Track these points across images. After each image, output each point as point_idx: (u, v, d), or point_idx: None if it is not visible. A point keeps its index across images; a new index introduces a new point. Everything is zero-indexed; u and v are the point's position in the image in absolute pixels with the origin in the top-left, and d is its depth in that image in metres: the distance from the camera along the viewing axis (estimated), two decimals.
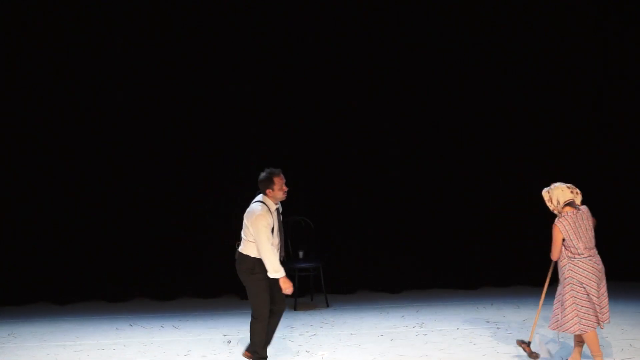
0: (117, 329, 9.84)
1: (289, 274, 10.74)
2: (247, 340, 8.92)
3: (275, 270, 7.62)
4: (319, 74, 11.66)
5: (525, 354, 7.90)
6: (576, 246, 7.46)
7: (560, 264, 7.62)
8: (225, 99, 11.61)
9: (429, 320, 9.79)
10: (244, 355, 7.94)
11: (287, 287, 7.66)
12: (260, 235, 7.59)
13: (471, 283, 11.81)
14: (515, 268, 11.91)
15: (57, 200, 11.41)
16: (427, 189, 11.77)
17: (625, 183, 11.83)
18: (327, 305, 10.85)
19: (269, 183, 7.73)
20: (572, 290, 7.44)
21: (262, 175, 7.79)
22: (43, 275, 11.40)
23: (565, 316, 7.47)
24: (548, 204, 7.73)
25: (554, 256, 7.63)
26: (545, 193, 7.75)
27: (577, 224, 7.48)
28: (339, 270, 11.50)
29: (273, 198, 7.77)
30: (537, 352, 7.90)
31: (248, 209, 7.80)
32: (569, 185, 7.68)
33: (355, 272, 11.67)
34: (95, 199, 11.50)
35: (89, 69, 11.49)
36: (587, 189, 8.00)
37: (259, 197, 7.80)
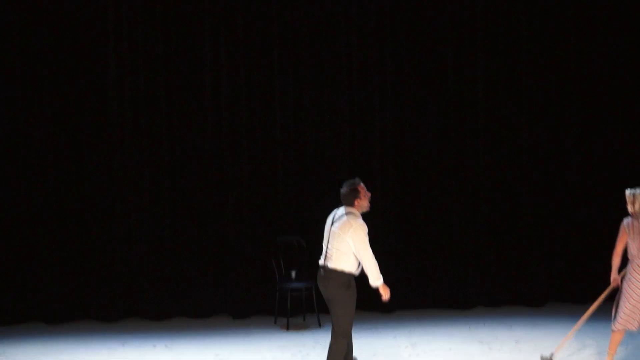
0: (109, 348, 9.81)
1: (281, 294, 10.84)
2: None
3: (377, 278, 7.73)
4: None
5: None
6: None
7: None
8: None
9: (421, 341, 9.79)
10: None
11: (386, 293, 7.79)
12: (363, 245, 7.66)
13: (464, 303, 11.80)
14: (508, 288, 11.92)
15: (47, 219, 11.35)
16: (418, 208, 11.78)
17: None
18: (320, 325, 10.84)
19: (355, 193, 7.80)
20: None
21: (345, 189, 7.83)
22: (34, 295, 11.34)
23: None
24: (629, 205, 8.25)
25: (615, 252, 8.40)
26: (629, 195, 8.23)
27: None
28: None
29: (359, 208, 7.84)
30: None
31: (338, 221, 7.84)
32: None
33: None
34: (86, 219, 11.45)
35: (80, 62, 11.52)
36: None
37: (345, 209, 7.86)
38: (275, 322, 11.11)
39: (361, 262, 7.72)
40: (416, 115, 11.82)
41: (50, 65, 11.34)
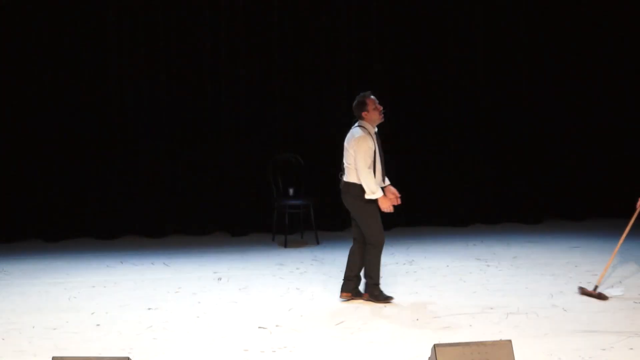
0: (107, 266, 9.84)
1: (279, 211, 10.85)
2: (237, 278, 8.97)
3: (371, 191, 7.78)
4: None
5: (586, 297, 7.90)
6: None
7: None
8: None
9: (418, 258, 9.82)
10: (342, 296, 8.07)
11: (385, 207, 7.82)
12: (360, 157, 7.74)
13: (461, 220, 11.84)
14: (506, 206, 11.96)
15: (46, 138, 11.32)
16: (417, 128, 11.75)
17: None
18: (317, 243, 10.87)
19: (362, 106, 7.87)
20: None
21: (354, 102, 7.94)
22: (32, 213, 11.37)
23: None
24: None
25: None
26: None
27: None
28: (329, 207, 11.49)
29: (370, 121, 7.88)
30: (604, 293, 7.92)
31: (348, 135, 7.95)
32: None
33: (345, 209, 11.65)
34: (83, 136, 11.41)
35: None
36: None
37: (357, 123, 7.93)
38: (273, 240, 11.14)
39: (358, 173, 7.78)
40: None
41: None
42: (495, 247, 10.38)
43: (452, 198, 11.82)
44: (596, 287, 7.97)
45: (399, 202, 8.00)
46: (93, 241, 11.36)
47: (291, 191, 11.02)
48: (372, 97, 7.89)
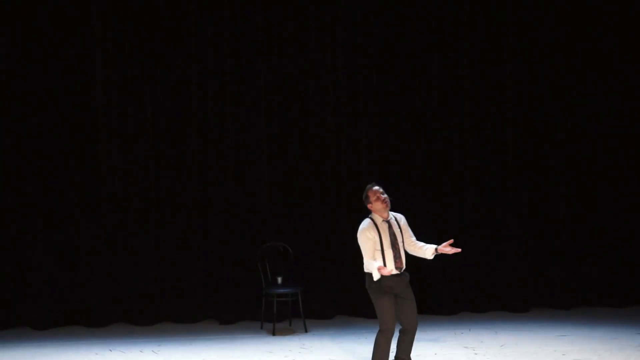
0: (96, 354, 9.82)
1: (267, 299, 10.87)
2: None
3: (371, 269, 7.92)
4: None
5: None
6: None
7: None
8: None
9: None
10: None
11: (383, 271, 7.80)
12: (361, 247, 8.04)
13: (449, 308, 11.85)
14: (493, 294, 11.99)
15: (34, 225, 11.37)
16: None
17: None
18: (306, 331, 10.88)
19: (366, 199, 8.15)
20: None
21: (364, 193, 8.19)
22: (21, 300, 11.35)
23: None
24: None
25: None
26: None
27: None
28: (317, 295, 11.53)
29: (376, 211, 8.11)
30: None
31: None
32: None
33: (333, 297, 11.71)
34: (73, 227, 11.46)
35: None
36: None
37: (370, 214, 8.20)
38: (261, 327, 11.15)
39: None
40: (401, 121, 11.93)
41: (38, 64, 11.42)
42: (483, 335, 10.38)
43: (439, 286, 11.85)
44: None
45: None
46: (82, 329, 11.33)
47: (279, 279, 11.07)
48: (374, 188, 8.13)
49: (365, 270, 8.05)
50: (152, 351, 9.90)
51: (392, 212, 8.23)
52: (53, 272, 11.38)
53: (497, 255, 11.99)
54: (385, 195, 8.11)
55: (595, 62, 12.09)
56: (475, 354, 9.39)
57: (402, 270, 8.11)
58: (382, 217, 8.10)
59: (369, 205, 8.12)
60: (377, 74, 11.86)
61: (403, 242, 8.19)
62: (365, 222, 8.11)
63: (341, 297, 11.78)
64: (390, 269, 7.90)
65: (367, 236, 8.01)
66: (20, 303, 11.35)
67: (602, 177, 12.13)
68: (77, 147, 11.50)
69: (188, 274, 11.59)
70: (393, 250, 8.05)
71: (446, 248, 8.12)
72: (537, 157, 12.09)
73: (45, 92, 11.39)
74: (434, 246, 8.22)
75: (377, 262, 7.93)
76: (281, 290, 10.89)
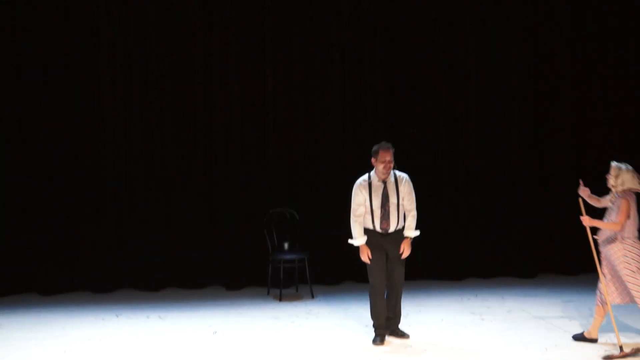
0: (103, 319, 9.84)
1: (274, 265, 10.87)
2: (233, 331, 8.98)
3: (354, 237, 8.32)
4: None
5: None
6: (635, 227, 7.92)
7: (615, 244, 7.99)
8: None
9: (413, 312, 9.83)
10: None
11: (362, 256, 8.30)
12: (352, 204, 8.31)
13: (456, 274, 11.87)
14: (501, 260, 12.00)
15: (43, 190, 11.37)
16: (415, 180, 11.81)
17: None
18: (312, 296, 10.89)
19: (374, 154, 8.27)
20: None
21: (375, 146, 8.30)
22: (29, 267, 11.37)
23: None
24: (612, 179, 8.03)
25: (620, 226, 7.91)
26: (615, 168, 8.05)
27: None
28: (324, 261, 11.53)
29: (375, 171, 8.28)
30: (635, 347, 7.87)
31: None
32: (638, 174, 8.01)
33: (340, 263, 11.71)
34: (78, 192, 11.47)
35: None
36: None
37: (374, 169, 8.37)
38: (268, 293, 11.16)
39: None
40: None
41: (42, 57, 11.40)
42: (490, 301, 10.40)
43: (447, 252, 11.86)
44: (621, 347, 7.79)
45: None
46: (89, 295, 11.37)
47: (286, 245, 11.08)
48: (387, 150, 8.22)
49: (351, 225, 8.35)
50: (159, 317, 9.92)
51: (398, 172, 8.35)
52: (59, 238, 11.39)
53: (503, 221, 11.98)
54: (392, 163, 8.20)
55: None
56: (482, 319, 9.40)
57: (387, 232, 8.29)
58: (380, 178, 8.23)
59: (372, 161, 8.25)
60: (381, 40, 11.81)
61: (398, 204, 8.27)
62: (362, 178, 8.35)
63: (347, 263, 11.75)
64: (379, 230, 8.28)
65: (358, 192, 8.28)
66: (27, 269, 11.37)
67: (613, 139, 12.07)
68: (82, 113, 11.48)
69: (194, 240, 11.59)
70: (381, 211, 8.25)
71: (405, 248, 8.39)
72: (544, 122, 12.05)
73: (49, 57, 11.37)
74: (407, 236, 8.43)
75: (360, 239, 8.28)
76: (288, 256, 10.89)
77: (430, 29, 11.88)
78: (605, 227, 8.00)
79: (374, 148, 8.28)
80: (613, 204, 8.06)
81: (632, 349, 7.75)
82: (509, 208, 11.96)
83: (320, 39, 11.72)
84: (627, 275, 7.91)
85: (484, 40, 11.96)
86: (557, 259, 12.10)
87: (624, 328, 8.69)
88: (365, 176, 8.35)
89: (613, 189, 8.06)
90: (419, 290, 11.11)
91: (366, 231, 8.35)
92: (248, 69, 11.64)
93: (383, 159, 8.18)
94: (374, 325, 8.47)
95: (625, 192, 7.97)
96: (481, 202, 11.95)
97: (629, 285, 7.92)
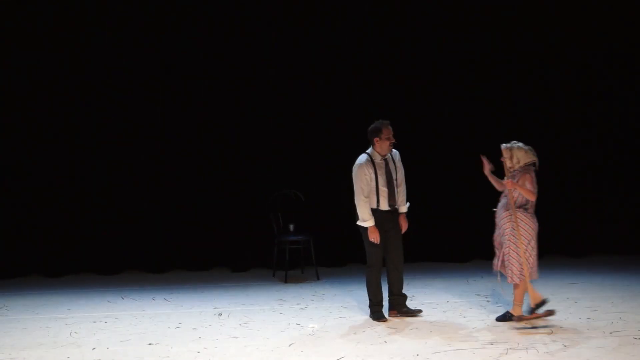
0: (108, 301, 9.85)
1: (279, 247, 10.87)
2: (238, 313, 8.99)
3: (363, 219, 8.27)
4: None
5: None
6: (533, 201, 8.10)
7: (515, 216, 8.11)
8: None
9: (419, 293, 9.83)
10: (391, 315, 8.60)
11: (372, 237, 8.26)
12: (354, 184, 8.26)
13: (461, 256, 11.86)
14: None
15: (50, 172, 11.39)
16: (416, 162, 11.79)
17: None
18: (318, 278, 10.90)
19: (376, 133, 8.23)
20: (533, 239, 8.15)
21: (372, 125, 8.26)
22: (35, 248, 11.40)
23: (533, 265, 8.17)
24: (507, 161, 8.14)
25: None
26: (506, 150, 8.13)
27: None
28: (329, 243, 11.53)
29: (379, 149, 8.26)
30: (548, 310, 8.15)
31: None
32: (530, 148, 8.13)
33: (345, 245, 11.70)
34: (84, 172, 11.48)
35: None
36: None
37: (369, 149, 8.32)
38: (273, 275, 11.17)
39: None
40: None
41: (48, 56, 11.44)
42: (495, 282, 10.36)
43: (452, 233, 11.84)
44: (533, 309, 8.12)
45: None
46: (94, 276, 11.40)
47: (291, 227, 11.07)
48: (389, 127, 8.23)
49: (358, 210, 8.29)
50: (164, 299, 9.93)
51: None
52: (64, 219, 11.40)
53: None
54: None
55: None
56: (488, 301, 9.39)
57: (395, 208, 8.38)
58: (382, 155, 8.24)
59: (375, 139, 8.22)
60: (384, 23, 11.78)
61: (397, 179, 8.37)
62: (363, 158, 8.27)
63: (353, 245, 11.75)
64: (385, 208, 8.30)
65: (363, 172, 8.20)
66: (33, 251, 11.40)
67: (624, 124, 12.05)
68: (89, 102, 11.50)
69: (200, 222, 11.60)
70: (388, 188, 8.31)
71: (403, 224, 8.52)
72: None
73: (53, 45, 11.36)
74: (403, 212, 8.58)
75: (370, 220, 8.25)
76: (293, 238, 10.89)
77: None
78: (524, 192, 8.09)
79: (375, 126, 8.27)
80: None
81: (547, 312, 8.10)
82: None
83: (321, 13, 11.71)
84: (508, 247, 8.18)
85: None
86: (562, 241, 12.07)
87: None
88: (365, 156, 8.33)
89: (510, 171, 8.16)
90: (425, 272, 11.10)
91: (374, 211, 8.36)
92: (254, 46, 11.60)
93: (388, 135, 8.22)
94: (375, 303, 8.52)
95: (524, 169, 8.11)
96: (488, 184, 11.90)
97: (506, 257, 8.19)
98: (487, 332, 7.99)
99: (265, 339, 7.91)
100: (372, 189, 8.28)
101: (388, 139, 8.24)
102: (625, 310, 8.69)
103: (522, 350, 7.30)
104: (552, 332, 7.89)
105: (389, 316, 8.60)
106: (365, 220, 8.29)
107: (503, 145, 8.16)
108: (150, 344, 7.84)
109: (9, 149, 11.37)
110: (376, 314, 8.51)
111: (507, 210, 8.17)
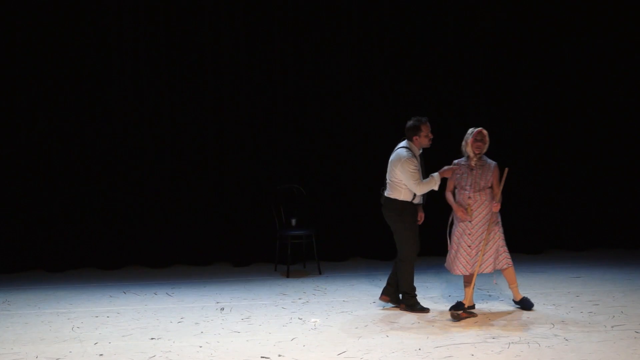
0: (110, 296, 9.86)
1: (281, 242, 10.88)
2: (240, 307, 8.99)
3: (431, 186, 8.40)
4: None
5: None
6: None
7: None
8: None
9: (420, 287, 9.80)
10: (382, 299, 8.80)
11: (446, 174, 8.46)
12: (409, 177, 8.26)
13: None
14: (507, 236, 11.94)
15: (51, 168, 11.39)
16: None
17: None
18: (320, 273, 10.90)
19: (416, 130, 8.35)
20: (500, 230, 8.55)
21: (410, 122, 8.38)
22: (37, 243, 11.41)
23: (502, 253, 8.50)
24: (485, 145, 8.46)
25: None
26: (485, 135, 8.43)
27: None
28: (331, 237, 11.54)
29: (419, 144, 8.39)
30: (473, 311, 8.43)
31: (394, 154, 8.43)
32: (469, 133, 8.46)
33: (347, 239, 11.72)
34: (86, 168, 11.48)
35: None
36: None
37: (403, 142, 8.42)
38: (275, 270, 11.18)
39: (415, 193, 8.37)
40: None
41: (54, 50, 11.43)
42: (497, 277, 10.38)
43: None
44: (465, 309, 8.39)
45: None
46: (96, 271, 11.41)
47: (293, 221, 11.07)
48: (427, 123, 8.37)
49: (399, 198, 8.39)
50: (166, 293, 9.94)
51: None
52: (66, 214, 11.41)
53: (509, 197, 11.92)
54: None
55: None
56: (489, 295, 9.40)
57: (423, 202, 8.64)
58: (418, 150, 8.44)
59: (414, 137, 8.34)
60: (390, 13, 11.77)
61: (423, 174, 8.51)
62: (407, 153, 8.32)
63: (355, 239, 11.79)
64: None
65: (413, 162, 8.26)
66: (34, 246, 11.41)
67: (621, 119, 12.04)
68: (90, 97, 11.49)
69: (202, 216, 11.60)
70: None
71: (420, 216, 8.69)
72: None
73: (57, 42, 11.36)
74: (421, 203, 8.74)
75: (436, 177, 8.42)
76: (295, 233, 10.89)
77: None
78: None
79: (414, 124, 8.36)
80: (481, 168, 8.49)
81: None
82: (516, 185, 11.91)
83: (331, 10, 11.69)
84: (499, 238, 8.74)
85: None
86: (563, 235, 12.07)
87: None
88: (407, 151, 8.37)
89: (478, 155, 8.44)
90: (427, 267, 11.10)
91: (407, 204, 8.46)
92: (257, 40, 11.59)
93: (427, 132, 8.36)
94: (413, 295, 8.67)
95: (484, 163, 8.52)
96: None
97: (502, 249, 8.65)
98: (489, 326, 8.00)
99: (267, 334, 7.93)
100: (419, 178, 8.38)
101: (427, 135, 8.39)
102: (627, 304, 8.71)
103: (524, 344, 7.32)
104: (553, 326, 7.90)
105: (381, 300, 8.88)
106: (434, 183, 8.40)
107: (483, 130, 8.39)
108: (152, 338, 7.86)
109: (11, 144, 11.35)
110: (419, 306, 8.63)
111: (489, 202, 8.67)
